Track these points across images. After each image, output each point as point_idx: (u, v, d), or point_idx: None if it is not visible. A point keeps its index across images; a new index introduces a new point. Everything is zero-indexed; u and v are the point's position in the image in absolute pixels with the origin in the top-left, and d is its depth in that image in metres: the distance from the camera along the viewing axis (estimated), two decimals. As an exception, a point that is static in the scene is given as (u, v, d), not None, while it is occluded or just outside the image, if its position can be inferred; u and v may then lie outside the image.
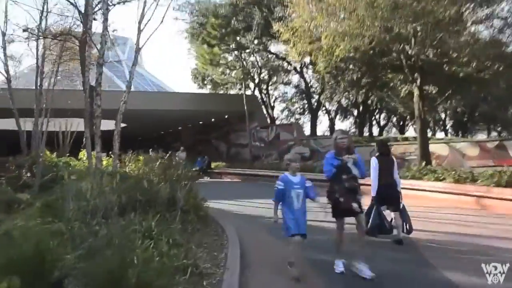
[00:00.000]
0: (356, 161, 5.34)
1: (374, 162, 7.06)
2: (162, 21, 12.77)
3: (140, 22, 11.45)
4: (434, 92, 18.09)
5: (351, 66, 19.00)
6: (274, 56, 33.10)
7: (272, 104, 36.44)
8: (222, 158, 32.30)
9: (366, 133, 36.80)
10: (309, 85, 33.89)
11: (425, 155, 17.07)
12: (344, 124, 52.03)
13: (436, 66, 16.55)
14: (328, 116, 37.58)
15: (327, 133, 39.67)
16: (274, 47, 32.63)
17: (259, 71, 33.75)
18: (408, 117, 40.95)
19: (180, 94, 32.92)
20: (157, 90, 43.01)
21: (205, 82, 34.08)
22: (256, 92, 34.22)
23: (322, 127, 42.65)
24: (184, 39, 30.68)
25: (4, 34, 17.44)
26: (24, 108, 18.28)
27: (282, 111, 40.91)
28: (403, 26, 14.54)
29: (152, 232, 6.17)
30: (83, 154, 14.59)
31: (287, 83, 38.23)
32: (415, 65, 16.49)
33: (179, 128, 39.00)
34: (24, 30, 15.16)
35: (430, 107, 18.87)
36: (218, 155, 32.83)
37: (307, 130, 33.25)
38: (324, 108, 36.83)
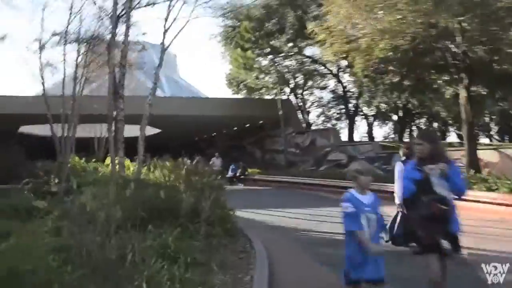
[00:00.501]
0: (445, 172, 3.77)
1: (399, 166, 6.80)
2: (188, 20, 12.07)
3: (166, 20, 10.83)
4: (482, 93, 16.74)
5: (391, 68, 17.89)
6: (310, 59, 32.20)
7: (307, 109, 35.47)
8: (257, 164, 31.50)
9: (406, 139, 35.33)
10: (346, 89, 32.74)
11: (474, 162, 15.78)
12: (383, 130, 50.34)
13: (486, 65, 15.27)
14: (366, 121, 36.27)
15: (365, 139, 38.37)
16: (309, 50, 31.77)
17: (294, 75, 32.89)
18: (450, 121, 39.13)
19: (214, 99, 32.44)
20: (192, 96, 42.80)
21: (240, 87, 33.46)
22: (292, 97, 33.39)
23: (360, 132, 41.18)
24: (217, 43, 30.27)
25: (39, 41, 17.46)
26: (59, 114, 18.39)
27: (318, 116, 39.80)
28: (450, 21, 13.38)
29: (168, 249, 5.45)
30: (108, 160, 14.13)
31: (323, 88, 37.14)
32: (462, 65, 15.27)
33: (214, 134, 38.54)
34: (53, 35, 14.91)
35: (477, 111, 17.50)
36: (252, 161, 32.07)
37: (344, 136, 32.13)
38: (362, 113, 35.58)
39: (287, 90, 34.10)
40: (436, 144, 4.03)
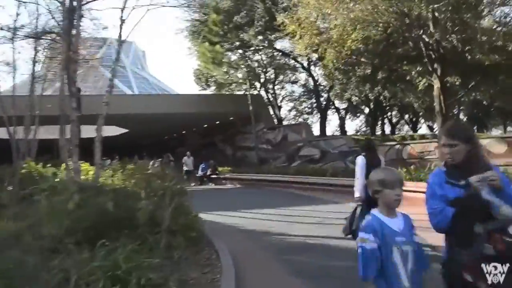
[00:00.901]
0: (498, 184, 2.38)
1: (360, 160, 6.68)
2: (148, 10, 11.09)
3: (122, 10, 9.92)
4: (456, 83, 16.40)
5: (363, 59, 17.39)
6: (280, 53, 31.59)
7: (279, 104, 34.89)
8: (228, 162, 30.79)
9: (378, 132, 35.15)
10: (317, 82, 32.25)
11: (449, 154, 15.43)
12: (355, 123, 50.25)
13: (459, 54, 14.91)
14: (338, 115, 35.95)
15: (337, 133, 38.08)
16: (280, 44, 31.15)
17: (264, 70, 32.21)
18: (421, 113, 39.25)
19: (182, 95, 31.51)
20: (159, 93, 41.73)
21: (209, 83, 32.59)
22: (262, 92, 32.72)
23: (332, 127, 40.87)
24: (185, 38, 29.22)
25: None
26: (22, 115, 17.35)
27: (290, 111, 39.37)
28: (423, 9, 12.91)
29: (118, 271, 4.67)
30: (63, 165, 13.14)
31: (294, 82, 36.71)
32: (435, 54, 14.86)
33: (183, 132, 37.58)
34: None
35: (451, 102, 17.17)
36: (224, 159, 31.31)
37: (316, 131, 31.66)
38: (333, 107, 35.22)
39: (258, 85, 33.41)
40: (475, 143, 2.59)
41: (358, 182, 6.54)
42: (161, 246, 6.25)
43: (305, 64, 31.12)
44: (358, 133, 38.85)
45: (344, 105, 37.45)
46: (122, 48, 9.65)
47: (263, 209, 12.54)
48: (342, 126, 35.22)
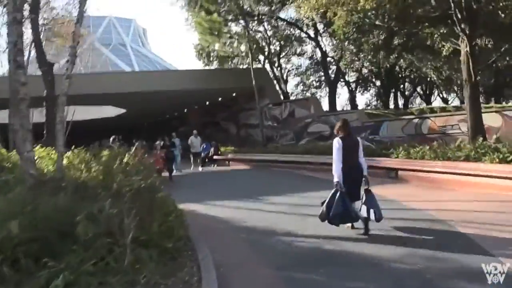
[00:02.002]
0: None
1: (337, 143, 6.49)
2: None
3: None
4: (488, 46, 14.36)
5: (377, 23, 15.36)
6: (285, 22, 29.44)
7: (285, 78, 32.85)
8: (232, 141, 29.09)
9: (390, 106, 33.08)
10: (325, 53, 30.11)
11: (479, 128, 13.56)
12: (365, 97, 48.26)
13: (490, 13, 12.87)
14: (348, 88, 33.88)
15: (348, 107, 36.10)
16: (284, 14, 29.04)
17: (268, 42, 30.14)
18: (437, 85, 37.07)
19: (182, 71, 29.67)
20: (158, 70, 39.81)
21: (211, 58, 30.64)
22: (267, 67, 30.70)
23: (341, 101, 38.77)
24: (181, 9, 27.04)
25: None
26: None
27: (297, 85, 37.36)
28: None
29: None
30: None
31: (301, 54, 34.60)
32: (463, 14, 12.84)
33: (185, 110, 35.79)
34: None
35: (481, 67, 15.10)
36: (227, 138, 29.61)
37: (325, 105, 29.68)
38: (342, 80, 33.11)
39: (262, 58, 31.44)
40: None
41: (336, 166, 6.37)
42: (125, 264, 4.60)
43: (312, 34, 28.98)
44: (369, 107, 36.85)
45: (354, 78, 35.45)
46: (83, 7, 7.81)
47: (268, 196, 10.83)
48: (352, 100, 33.18)
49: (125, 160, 7.37)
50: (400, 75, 29.96)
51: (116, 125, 43.61)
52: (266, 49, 30.70)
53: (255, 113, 25.52)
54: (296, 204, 9.63)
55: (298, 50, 34.07)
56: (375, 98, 40.36)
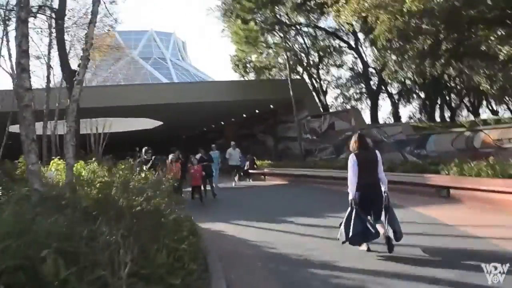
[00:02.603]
0: None
1: (351, 159, 6.24)
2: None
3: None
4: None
5: (424, 26, 14.15)
6: (324, 32, 28.40)
7: (324, 90, 31.68)
8: (269, 154, 28.18)
9: (437, 119, 31.26)
10: (367, 63, 28.82)
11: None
12: (408, 110, 46.32)
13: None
14: (390, 100, 32.28)
15: (389, 120, 34.49)
16: (323, 23, 28.06)
17: (307, 52, 29.15)
18: (485, 96, 34.90)
19: (219, 82, 29.06)
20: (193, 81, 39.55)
21: (247, 69, 29.95)
22: (306, 78, 29.70)
23: (383, 113, 37.04)
24: (217, 20, 26.42)
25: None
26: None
27: (336, 97, 36.02)
28: None
29: None
30: (53, 163, 10.86)
31: (340, 65, 33.28)
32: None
33: (222, 123, 35.21)
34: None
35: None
36: (265, 151, 28.71)
37: (366, 118, 28.26)
38: (384, 91, 31.60)
39: (300, 69, 30.46)
40: None
41: (350, 184, 6.16)
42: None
43: (352, 43, 27.83)
44: (412, 120, 35.07)
45: (397, 89, 33.85)
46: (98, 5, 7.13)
47: (303, 216, 9.79)
48: (395, 112, 31.55)
49: (141, 175, 6.57)
50: (447, 85, 28.19)
51: (153, 137, 43.66)
52: (305, 60, 29.73)
53: (293, 126, 24.55)
54: (333, 226, 8.55)
55: (338, 61, 32.90)
56: (419, 111, 38.53)
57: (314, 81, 30.43)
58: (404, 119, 33.70)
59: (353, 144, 6.45)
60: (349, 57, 32.58)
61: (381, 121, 30.85)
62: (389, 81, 29.45)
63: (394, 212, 6.20)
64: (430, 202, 11.22)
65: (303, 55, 29.66)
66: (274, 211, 10.93)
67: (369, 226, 5.93)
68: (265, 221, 9.48)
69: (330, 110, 30.12)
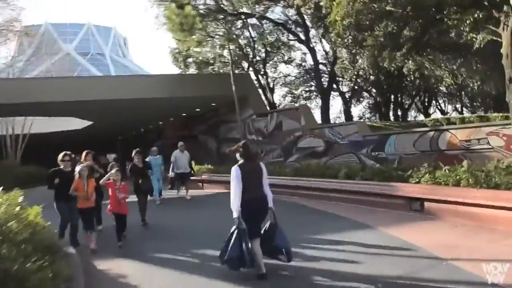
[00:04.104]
0: None
1: (234, 171, 5.58)
2: None
3: None
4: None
5: (389, 8, 12.04)
6: (271, 24, 26.10)
7: (271, 87, 29.41)
8: (212, 157, 25.53)
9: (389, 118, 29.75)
10: (317, 60, 26.69)
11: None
12: (358, 109, 45.26)
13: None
14: (342, 99, 30.47)
15: (340, 120, 32.74)
16: (270, 13, 25.76)
17: (253, 46, 26.76)
18: (436, 96, 34.17)
19: (154, 76, 25.99)
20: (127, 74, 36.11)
21: (187, 63, 27.19)
22: (252, 75, 27.30)
23: (332, 114, 34.99)
24: (151, 4, 23.27)
25: None
26: None
27: (284, 96, 34.00)
28: None
29: None
30: None
31: (289, 62, 31.28)
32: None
33: (160, 123, 32.17)
34: None
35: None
36: (206, 154, 26.02)
37: (317, 118, 26.14)
38: (336, 89, 29.71)
39: (246, 65, 28.07)
40: None
41: (233, 199, 5.52)
42: None
43: (302, 36, 25.64)
44: (362, 120, 33.48)
45: (348, 87, 32.25)
46: None
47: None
48: (347, 111, 29.76)
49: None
50: (400, 83, 26.63)
51: (85, 139, 39.74)
52: (251, 54, 27.35)
53: (237, 126, 22.02)
54: (299, 265, 6.04)
55: (286, 57, 30.84)
56: (369, 110, 37.23)
57: (260, 78, 28.10)
58: (355, 119, 32.10)
59: (237, 151, 5.87)
60: (298, 54, 30.60)
61: (332, 121, 28.99)
62: (342, 76, 27.68)
63: (283, 230, 5.82)
64: (401, 218, 9.04)
65: (249, 49, 27.28)
66: (205, 237, 8.32)
67: (245, 252, 5.42)
68: (191, 255, 6.92)
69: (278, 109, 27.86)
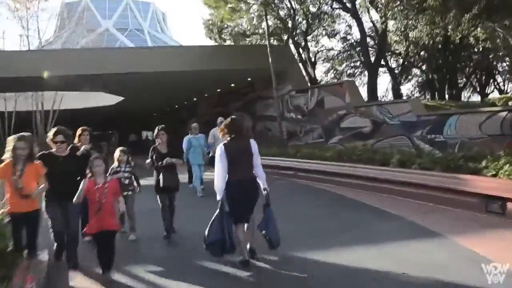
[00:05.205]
0: None
1: (219, 149, 5.23)
2: None
3: None
4: None
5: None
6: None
7: (313, 61, 27.07)
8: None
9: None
10: (364, 30, 24.05)
11: None
12: (406, 88, 42.17)
13: None
14: (390, 75, 27.80)
15: (389, 97, 30.09)
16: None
17: (293, 15, 24.46)
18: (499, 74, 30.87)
19: (189, 47, 24.20)
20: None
21: (222, 34, 25.25)
22: (292, 48, 25.11)
23: (380, 91, 32.23)
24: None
25: None
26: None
27: (327, 72, 31.61)
28: None
29: None
30: None
31: (332, 35, 28.77)
32: None
33: (195, 99, 30.56)
34: None
35: None
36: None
37: (363, 94, 23.70)
38: (384, 65, 27.05)
39: (285, 38, 25.86)
40: None
41: (217, 180, 5.16)
42: None
43: (348, 4, 23.10)
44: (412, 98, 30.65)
45: (395, 64, 29.54)
46: None
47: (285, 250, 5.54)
48: (396, 89, 27.08)
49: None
50: (457, 57, 23.68)
51: (117, 115, 38.75)
52: (291, 25, 25.12)
53: (274, 102, 20.08)
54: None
55: (329, 30, 28.36)
56: (418, 89, 34.26)
57: (301, 51, 25.84)
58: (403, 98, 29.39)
59: (222, 130, 5.43)
60: (342, 27, 28.14)
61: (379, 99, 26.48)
62: (391, 51, 25.07)
63: (273, 215, 5.31)
64: (475, 223, 6.94)
65: (289, 20, 25.05)
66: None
67: (227, 236, 5.05)
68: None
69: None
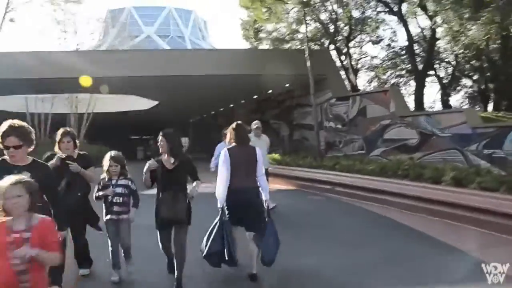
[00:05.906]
0: None
1: (223, 155, 5.04)
2: None
3: None
4: None
5: None
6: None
7: (355, 67, 25.67)
8: (284, 145, 22.67)
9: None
10: (412, 37, 22.47)
11: None
12: (454, 99, 39.66)
13: None
14: (440, 83, 25.96)
15: (437, 107, 28.19)
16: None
17: (335, 20, 23.21)
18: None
19: (225, 51, 23.42)
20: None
21: (259, 36, 24.29)
22: (333, 54, 23.87)
23: (426, 102, 30.27)
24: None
25: None
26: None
27: (370, 81, 30.03)
28: None
29: None
30: None
31: (377, 41, 27.28)
32: None
33: (231, 105, 29.71)
34: None
35: None
36: (279, 140, 23.13)
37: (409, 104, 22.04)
38: (433, 74, 25.27)
39: (326, 42, 24.67)
40: None
41: (219, 187, 4.95)
42: None
43: (395, 8, 21.65)
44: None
45: (444, 72, 27.63)
46: None
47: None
48: (445, 100, 25.25)
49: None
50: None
51: (152, 120, 38.32)
52: (332, 30, 23.90)
53: (312, 110, 18.87)
54: None
55: (374, 36, 26.90)
56: (468, 100, 32.05)
57: (342, 58, 24.54)
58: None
59: (228, 135, 5.34)
60: (387, 33, 26.59)
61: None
62: (439, 58, 23.37)
63: (274, 229, 4.91)
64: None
65: (330, 24, 23.83)
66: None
67: (226, 249, 4.75)
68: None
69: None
